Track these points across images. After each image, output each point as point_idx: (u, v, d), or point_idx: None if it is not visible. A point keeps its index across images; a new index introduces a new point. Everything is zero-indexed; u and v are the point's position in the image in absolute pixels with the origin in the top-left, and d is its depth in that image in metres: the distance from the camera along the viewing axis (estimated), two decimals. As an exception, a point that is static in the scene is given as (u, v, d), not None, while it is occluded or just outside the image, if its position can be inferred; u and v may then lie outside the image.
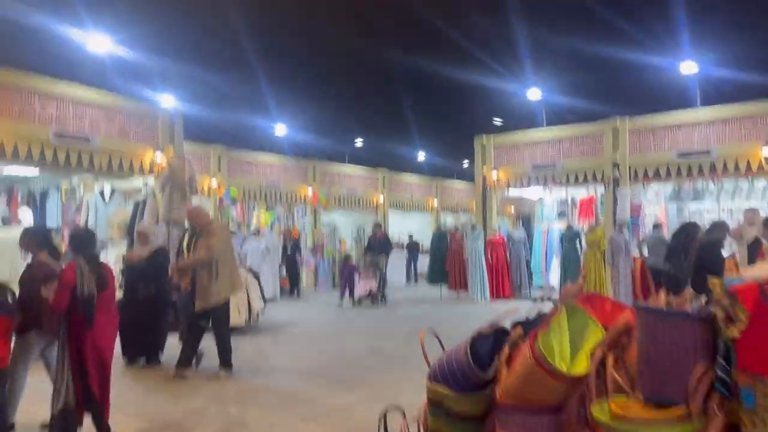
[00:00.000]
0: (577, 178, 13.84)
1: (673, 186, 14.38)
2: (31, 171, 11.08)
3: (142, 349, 7.37)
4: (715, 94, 13.30)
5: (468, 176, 27.65)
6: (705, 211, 14.93)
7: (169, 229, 10.78)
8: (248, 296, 9.76)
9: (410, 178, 24.18)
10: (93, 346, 4.34)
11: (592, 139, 13.72)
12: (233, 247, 7.63)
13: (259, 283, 10.48)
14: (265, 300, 10.55)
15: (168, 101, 11.53)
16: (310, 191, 18.60)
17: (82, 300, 4.25)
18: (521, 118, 16.00)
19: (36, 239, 4.77)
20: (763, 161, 11.28)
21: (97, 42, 11.01)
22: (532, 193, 16.62)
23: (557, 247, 16.10)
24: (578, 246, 13.02)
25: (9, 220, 10.91)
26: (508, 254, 14.55)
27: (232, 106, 16.22)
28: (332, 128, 19.75)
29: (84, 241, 4.67)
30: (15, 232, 10.11)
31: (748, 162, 11.48)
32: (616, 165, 13.13)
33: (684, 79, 13.93)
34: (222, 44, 14.08)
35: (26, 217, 11.08)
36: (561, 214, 17.07)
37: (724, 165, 11.80)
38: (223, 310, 6.81)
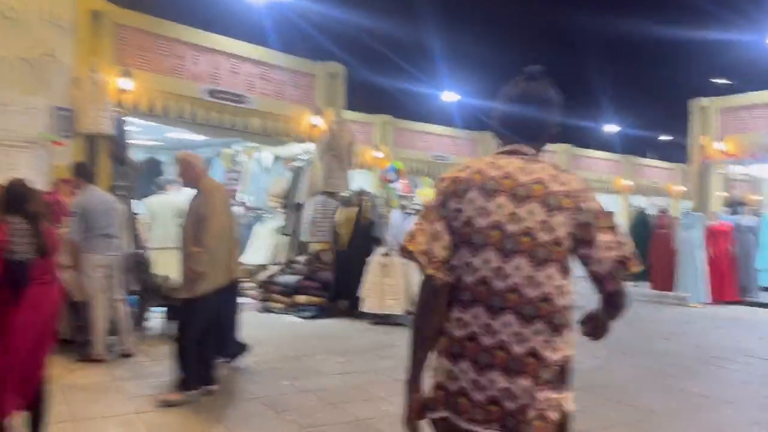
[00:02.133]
0: None
1: None
2: (193, 136, 10.56)
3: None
4: None
5: (666, 153, 23.93)
6: None
7: (326, 200, 9.62)
8: (406, 282, 8.22)
9: (595, 155, 21.20)
10: (16, 328, 3.24)
11: None
12: (232, 215, 5.03)
13: (422, 267, 8.91)
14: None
15: (331, 67, 10.31)
16: (481, 166, 16.67)
17: (11, 268, 3.30)
18: (756, 76, 12.60)
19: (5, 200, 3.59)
20: None
21: (253, -13, 10.15)
22: (764, 171, 13.18)
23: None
24: None
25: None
26: (733, 246, 11.45)
27: (400, 71, 14.78)
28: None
29: (17, 196, 3.53)
30: (167, 199, 9.60)
31: None
32: None
33: None
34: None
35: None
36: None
37: None
38: (206, 304, 4.56)
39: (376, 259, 8.31)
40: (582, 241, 1.74)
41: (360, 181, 12.04)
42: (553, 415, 1.71)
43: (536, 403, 1.69)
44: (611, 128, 22.68)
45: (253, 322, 8.11)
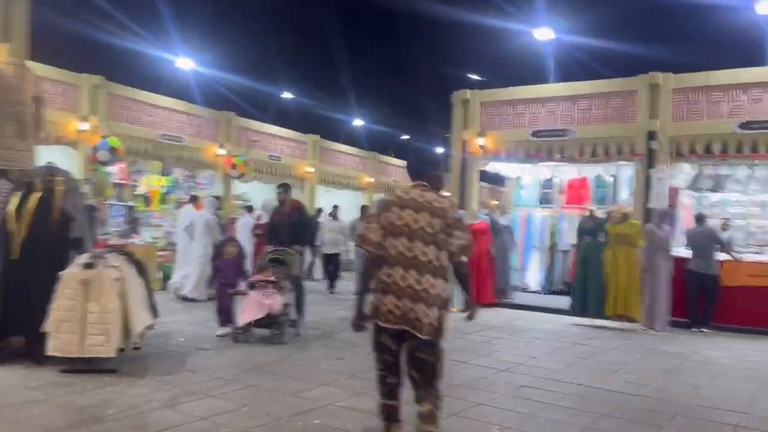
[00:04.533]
0: (594, 152, 10.49)
1: (696, 170, 11.49)
2: None
3: None
4: None
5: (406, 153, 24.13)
6: (732, 204, 12.23)
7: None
8: (125, 306, 5.45)
9: (343, 149, 20.21)
10: None
11: (622, 99, 10.40)
12: None
13: (147, 282, 6.15)
14: (156, 310, 6.23)
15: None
16: (222, 153, 14.12)
17: None
18: (516, 70, 12.50)
19: None
20: None
21: None
22: (510, 170, 13.24)
23: (539, 239, 12.92)
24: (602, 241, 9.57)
25: None
26: (491, 246, 11.00)
27: (117, 21, 11.39)
28: (254, 71, 15.19)
29: None
30: None
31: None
32: (653, 135, 9.89)
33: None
34: None
35: None
36: (544, 198, 13.88)
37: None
38: None
39: (72, 273, 5.35)
40: (448, 234, 3.32)
41: (53, 158, 8.53)
42: (436, 321, 3.29)
43: (426, 316, 3.26)
44: (360, 122, 21.94)
45: None
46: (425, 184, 3.42)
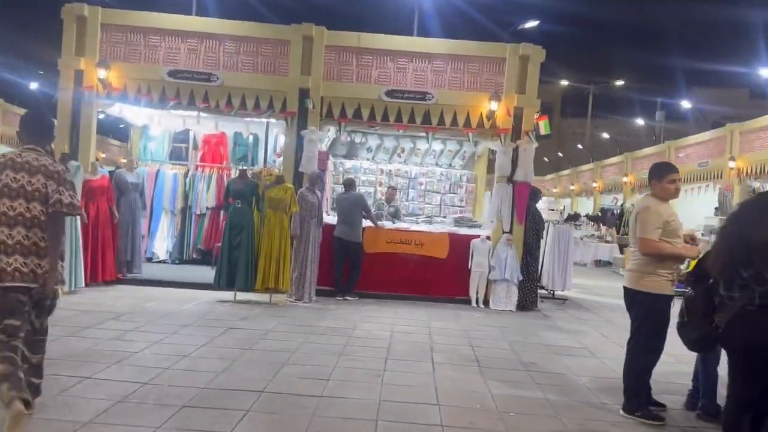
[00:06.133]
0: (244, 103, 9.20)
1: (333, 135, 11.40)
2: None
3: None
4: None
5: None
6: (363, 171, 12.57)
7: None
8: None
9: None
10: None
11: (273, 48, 9.30)
12: None
13: None
14: None
15: None
16: None
17: None
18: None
19: None
20: (484, 118, 9.27)
21: None
22: (137, 116, 11.06)
23: (170, 201, 11.18)
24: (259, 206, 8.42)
25: None
26: (115, 208, 8.79)
27: None
28: None
29: None
30: None
31: (468, 116, 9.31)
32: (306, 93, 9.13)
33: None
34: None
35: None
36: (175, 153, 12.08)
37: (441, 115, 9.31)
38: None
39: None
40: (59, 193, 3.49)
41: None
42: (50, 269, 3.50)
43: (40, 267, 3.46)
44: None
45: None
46: (40, 148, 3.65)
